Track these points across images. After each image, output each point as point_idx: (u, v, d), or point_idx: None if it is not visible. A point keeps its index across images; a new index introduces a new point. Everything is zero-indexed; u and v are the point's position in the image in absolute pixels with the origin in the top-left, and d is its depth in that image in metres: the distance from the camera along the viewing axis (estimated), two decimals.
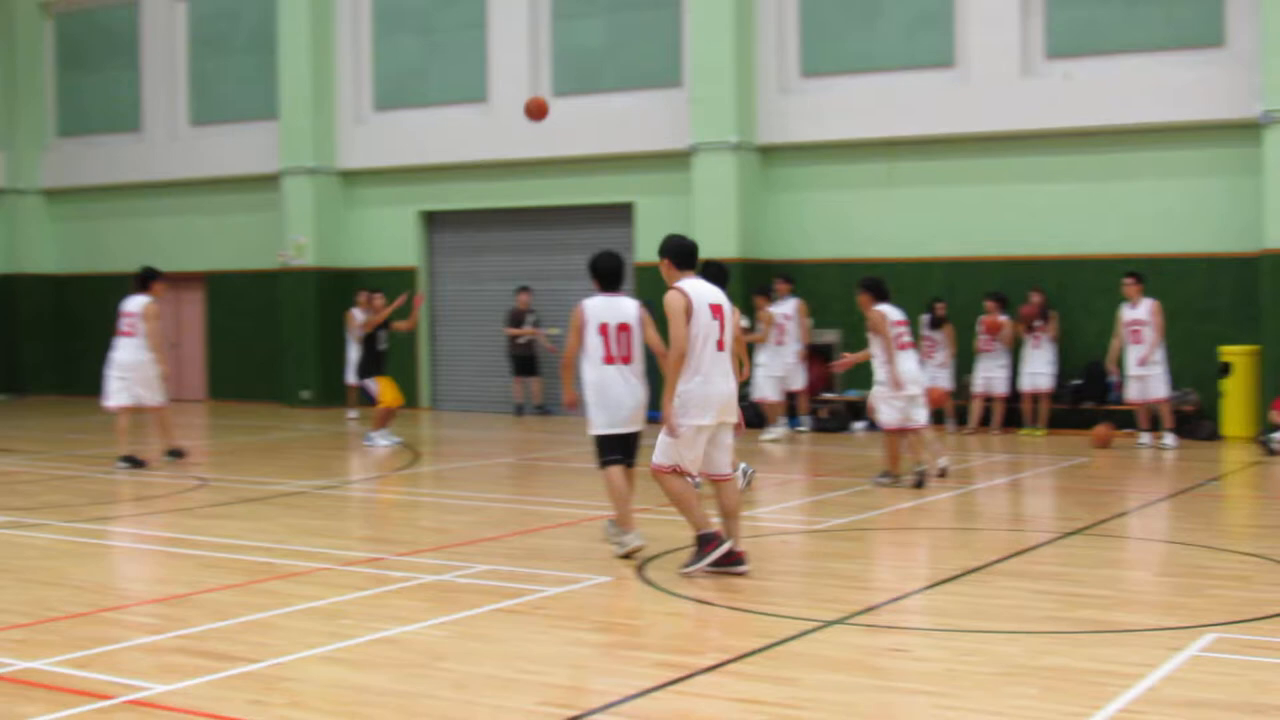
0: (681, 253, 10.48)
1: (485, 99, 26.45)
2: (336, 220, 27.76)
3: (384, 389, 20.28)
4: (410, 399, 26.68)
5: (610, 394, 10.90)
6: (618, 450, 10.86)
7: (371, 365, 20.58)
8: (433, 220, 27.49)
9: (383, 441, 19.99)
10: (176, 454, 17.91)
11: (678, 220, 24.26)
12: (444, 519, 13.48)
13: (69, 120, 31.83)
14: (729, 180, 23.60)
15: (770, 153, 24.00)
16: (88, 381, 30.37)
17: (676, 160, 24.35)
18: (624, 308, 11.06)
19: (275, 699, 7.06)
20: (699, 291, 10.21)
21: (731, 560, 10.10)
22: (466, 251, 27.21)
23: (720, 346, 10.14)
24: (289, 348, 27.67)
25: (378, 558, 10.97)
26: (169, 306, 29.60)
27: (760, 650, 7.97)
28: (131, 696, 7.05)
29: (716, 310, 10.20)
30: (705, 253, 23.68)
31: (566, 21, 25.71)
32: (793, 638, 8.27)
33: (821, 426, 21.73)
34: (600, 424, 10.96)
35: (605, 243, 25.12)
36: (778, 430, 20.90)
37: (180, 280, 29.43)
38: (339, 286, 27.18)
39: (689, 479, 10.20)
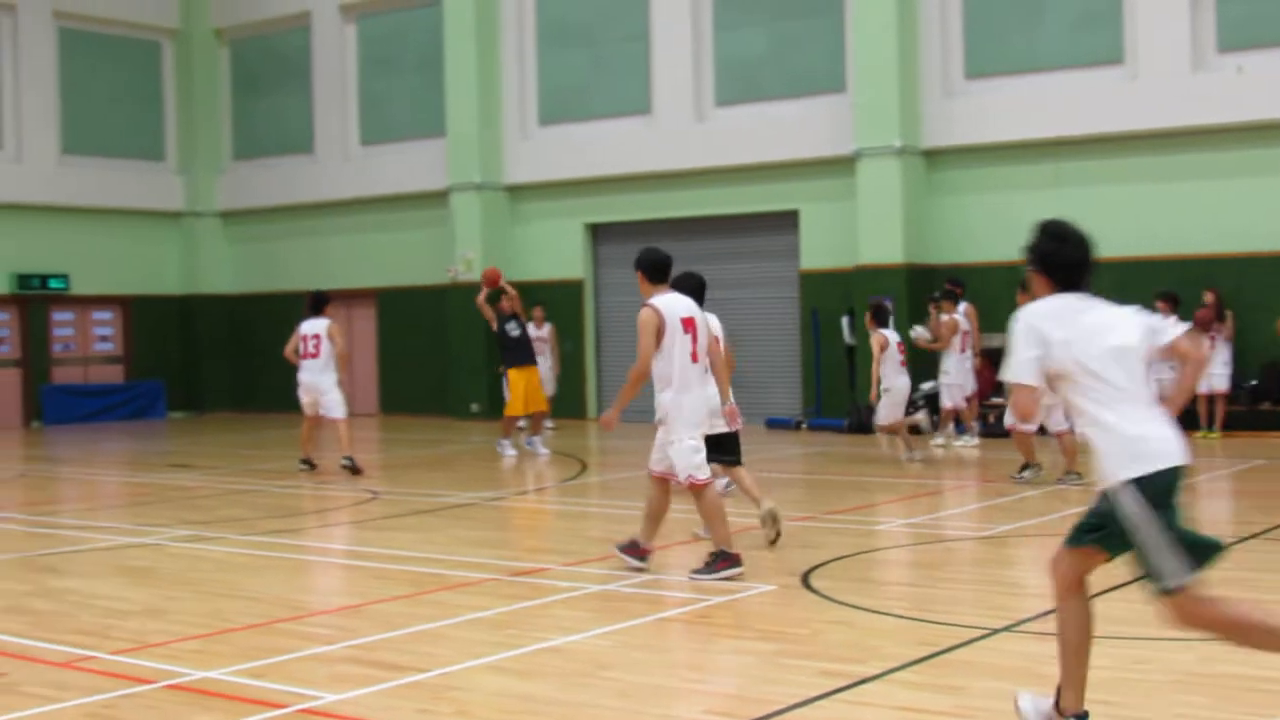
0: (655, 267, 10.74)
1: (649, 111, 26.56)
2: (504, 234, 28.07)
3: (514, 389, 20.32)
4: (578, 410, 26.91)
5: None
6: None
7: (507, 355, 20.61)
8: (598, 232, 27.67)
9: (509, 451, 20.19)
10: (352, 466, 18.22)
11: (842, 226, 24.19)
12: (610, 529, 13.53)
13: (243, 144, 32.61)
14: (893, 185, 23.44)
15: (935, 156, 23.79)
16: (263, 398, 31.13)
17: (840, 166, 24.23)
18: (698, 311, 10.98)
19: (443, 708, 7.15)
20: (671, 307, 10.51)
21: (641, 554, 10.63)
22: (632, 262, 27.24)
23: (694, 359, 10.47)
24: (458, 362, 28.03)
25: (544, 568, 11.06)
26: (341, 323, 30.18)
27: (926, 658, 7.89)
28: (304, 705, 7.20)
29: (688, 324, 10.51)
30: (870, 258, 23.82)
31: (728, 31, 25.72)
32: (959, 645, 8.18)
33: (990, 432, 21.44)
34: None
35: (771, 250, 25.23)
36: (968, 437, 20.76)
37: (352, 297, 30.00)
38: None
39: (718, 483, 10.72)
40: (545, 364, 25.05)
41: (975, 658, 7.94)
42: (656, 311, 10.40)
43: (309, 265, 30.78)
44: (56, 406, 30.11)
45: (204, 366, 32.61)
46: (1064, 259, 6.71)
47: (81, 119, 31.06)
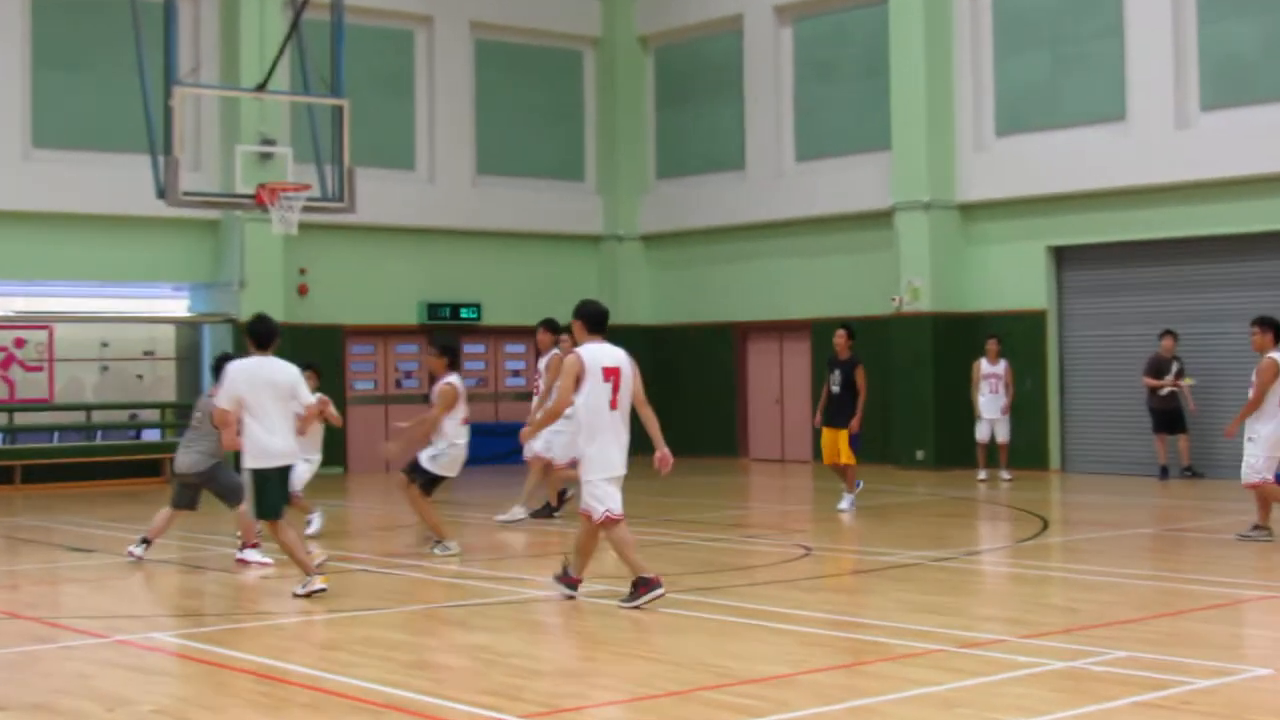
0: (593, 317, 13.00)
1: (1123, 117, 25.93)
2: (955, 259, 27.84)
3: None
4: (1039, 458, 26.45)
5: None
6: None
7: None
8: (1063, 256, 27.15)
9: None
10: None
11: None
12: (1075, 597, 13.26)
13: (668, 161, 33.29)
14: None
15: None
16: (685, 441, 31.55)
17: None
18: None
19: None
20: (594, 356, 12.56)
21: (572, 583, 12.83)
22: (1102, 290, 26.70)
23: (613, 406, 12.52)
24: (902, 403, 27.81)
25: (999, 639, 10.88)
26: (772, 357, 30.58)
27: None
28: None
29: (609, 373, 12.51)
30: None
31: (1215, 24, 24.88)
32: None
33: None
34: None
35: (1263, 275, 24.27)
36: None
37: (784, 328, 30.27)
38: (959, 333, 27.22)
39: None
40: (1000, 402, 24.76)
41: None
42: (578, 357, 12.48)
43: (736, 293, 31.17)
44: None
45: None
46: (260, 334, 13.09)
47: (496, 136, 32.21)
